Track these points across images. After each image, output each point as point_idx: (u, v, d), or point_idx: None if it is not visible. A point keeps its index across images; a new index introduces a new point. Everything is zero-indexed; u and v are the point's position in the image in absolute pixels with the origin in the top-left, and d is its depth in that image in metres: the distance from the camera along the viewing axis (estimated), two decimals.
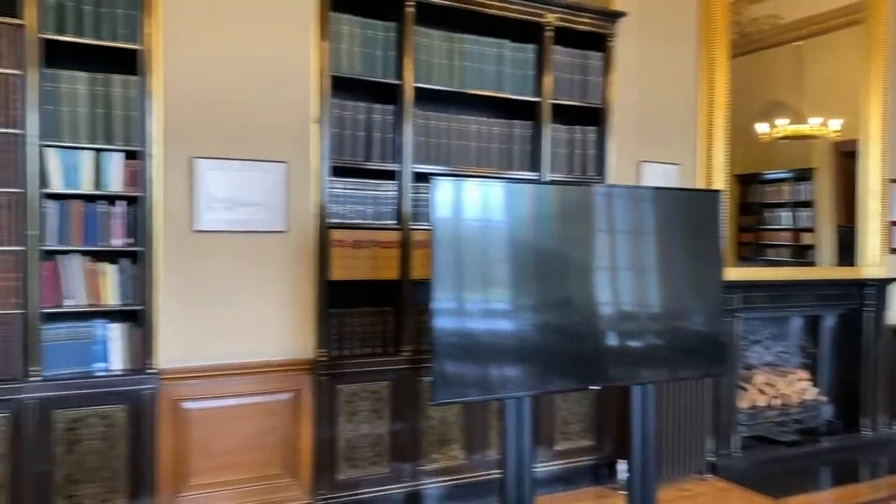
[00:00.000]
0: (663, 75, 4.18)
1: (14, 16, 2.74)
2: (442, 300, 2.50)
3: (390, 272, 3.46)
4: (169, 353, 3.07)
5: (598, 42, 3.93)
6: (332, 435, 3.34)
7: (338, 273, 3.35)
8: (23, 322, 2.80)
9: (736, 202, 5.23)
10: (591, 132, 3.95)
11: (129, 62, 2.94)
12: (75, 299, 2.93)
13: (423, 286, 3.41)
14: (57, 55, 2.83)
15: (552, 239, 2.79)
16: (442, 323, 2.51)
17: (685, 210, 3.11)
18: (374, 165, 3.45)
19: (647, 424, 2.94)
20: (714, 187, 4.17)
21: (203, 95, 3.11)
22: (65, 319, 2.92)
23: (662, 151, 4.19)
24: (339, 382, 3.35)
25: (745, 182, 5.88)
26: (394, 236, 3.46)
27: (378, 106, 3.45)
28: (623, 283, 2.95)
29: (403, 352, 3.48)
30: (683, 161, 4.27)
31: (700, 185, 4.27)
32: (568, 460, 3.89)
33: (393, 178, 3.48)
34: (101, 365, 2.98)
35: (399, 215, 3.48)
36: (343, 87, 3.36)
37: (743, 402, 4.52)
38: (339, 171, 3.38)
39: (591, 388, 2.84)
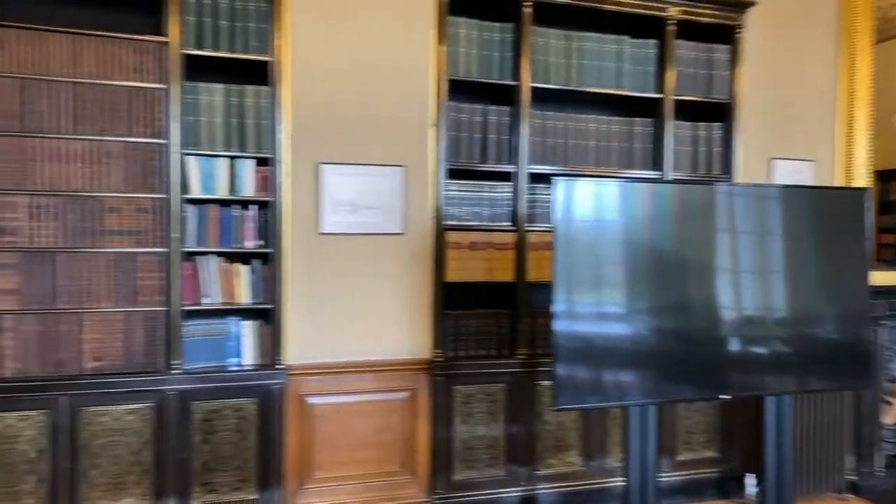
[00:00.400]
0: (797, 66, 3.92)
1: (159, 34, 2.96)
2: (563, 302, 2.46)
3: (506, 274, 3.44)
4: (296, 349, 3.21)
5: (724, 34, 3.74)
6: (449, 435, 3.36)
7: (453, 275, 3.38)
8: (166, 318, 3.01)
9: (875, 200, 4.82)
10: (716, 129, 3.76)
11: (260, 73, 3.10)
12: (212, 298, 3.12)
13: (539, 289, 3.39)
14: (196, 69, 3.02)
15: (681, 240, 2.67)
16: (563, 326, 2.47)
17: (824, 209, 2.90)
18: (490, 167, 3.45)
19: (783, 439, 2.76)
20: (855, 184, 3.86)
21: (327, 103, 3.22)
22: (202, 316, 3.12)
23: (795, 147, 3.93)
24: (454, 383, 3.37)
25: (886, 178, 5.40)
26: (509, 238, 3.44)
27: (494, 107, 3.45)
28: (748, 286, 2.79)
29: (519, 355, 3.45)
30: (819, 157, 3.98)
31: (838, 182, 3.98)
32: (691, 471, 3.72)
33: (508, 180, 3.46)
34: (234, 360, 3.16)
35: (514, 217, 3.45)
36: (459, 89, 3.39)
37: (887, 418, 4.15)
38: (454, 174, 3.40)
39: (720, 397, 2.69)
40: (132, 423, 2.94)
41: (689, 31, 3.65)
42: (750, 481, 3.51)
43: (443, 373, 3.35)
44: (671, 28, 3.60)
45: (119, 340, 2.97)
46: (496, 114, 3.45)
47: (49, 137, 2.85)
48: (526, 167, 3.44)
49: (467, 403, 3.39)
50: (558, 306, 2.46)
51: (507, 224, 3.46)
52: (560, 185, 2.47)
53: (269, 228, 3.14)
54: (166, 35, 2.94)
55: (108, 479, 2.91)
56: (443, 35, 3.32)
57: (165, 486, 2.98)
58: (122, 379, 2.94)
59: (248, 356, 3.18)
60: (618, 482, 3.56)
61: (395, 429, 3.35)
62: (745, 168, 3.79)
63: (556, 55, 3.50)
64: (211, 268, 3.12)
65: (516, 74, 3.42)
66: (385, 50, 3.29)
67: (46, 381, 2.85)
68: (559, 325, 2.46)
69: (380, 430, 3.33)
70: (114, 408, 2.92)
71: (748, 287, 2.80)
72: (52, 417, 2.85)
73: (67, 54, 2.85)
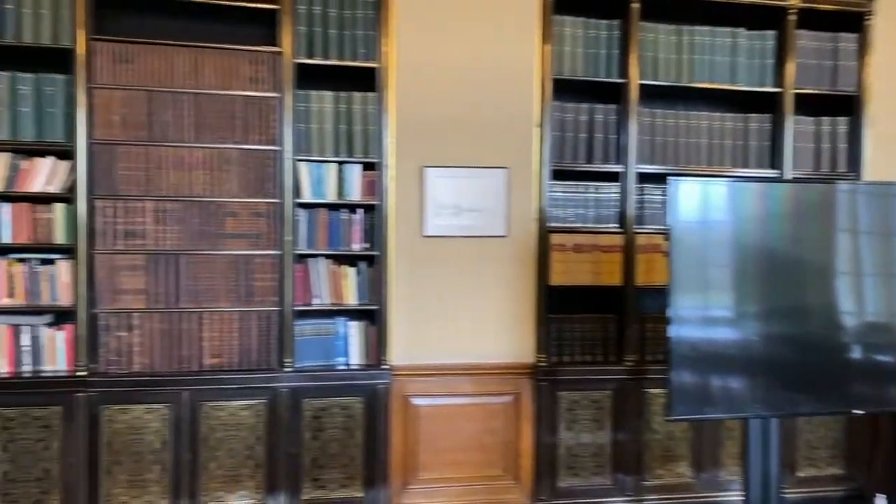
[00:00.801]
0: None
1: (273, 44, 3.07)
2: (681, 307, 2.36)
3: (612, 277, 3.35)
4: (400, 350, 3.25)
5: (850, 22, 3.49)
6: (553, 441, 3.30)
7: (557, 278, 3.32)
8: (279, 318, 3.12)
9: None
10: (841, 123, 3.52)
11: (367, 79, 3.16)
12: (321, 298, 3.20)
13: (649, 293, 3.28)
14: (306, 77, 3.11)
15: (806, 242, 2.51)
16: (679, 332, 2.37)
17: None
18: (596, 167, 3.37)
19: None
20: None
21: (431, 107, 3.24)
22: (312, 317, 3.21)
23: None
24: (559, 389, 3.31)
25: None
26: (616, 240, 3.35)
27: (600, 106, 3.36)
28: (872, 290, 2.58)
29: (626, 361, 3.35)
30: None
31: None
32: (813, 489, 3.49)
33: (615, 180, 3.37)
34: (341, 359, 3.23)
35: (622, 218, 3.36)
36: (564, 89, 3.33)
37: None
38: (559, 175, 3.34)
39: (854, 412, 2.50)
40: (247, 419, 3.06)
41: (812, 19, 3.43)
42: (881, 502, 3.25)
43: (547, 378, 3.30)
44: (791, 17, 3.39)
45: (235, 339, 3.10)
46: (602, 112, 3.36)
47: (173, 146, 3.01)
48: (634, 167, 3.34)
49: (572, 410, 3.32)
50: (674, 311, 2.36)
51: (613, 226, 3.37)
52: (676, 186, 2.37)
53: (374, 231, 3.20)
54: (280, 45, 3.05)
55: (224, 471, 3.05)
56: (547, 34, 3.27)
57: (277, 480, 3.08)
58: (238, 376, 3.06)
59: (355, 356, 3.24)
60: (732, 497, 3.39)
61: (498, 433, 3.33)
62: (874, 165, 3.51)
63: (665, 51, 3.37)
64: (320, 269, 3.21)
65: (623, 72, 3.32)
66: (488, 51, 3.28)
67: (170, 377, 3.01)
68: (675, 331, 2.36)
69: (482, 433, 3.32)
70: (230, 403, 3.05)
71: (872, 291, 2.59)
72: (175, 411, 3.00)
73: (190, 66, 3.01)
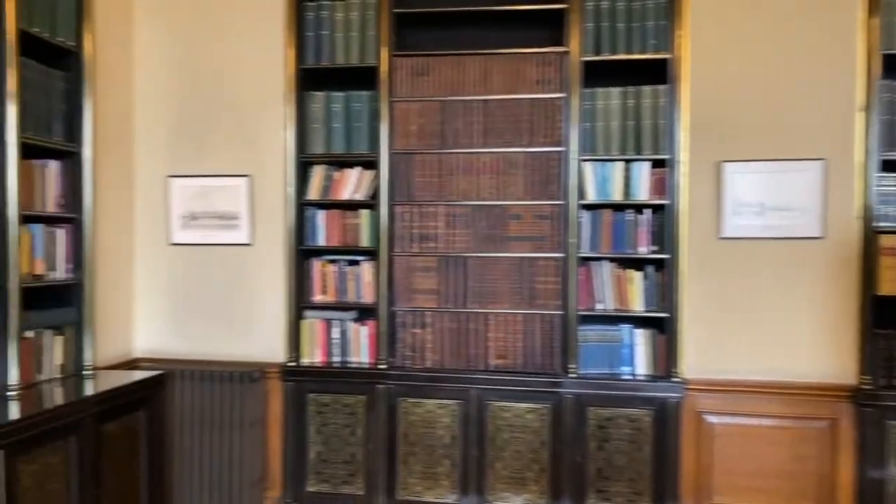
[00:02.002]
0: None
1: (559, 44, 3.03)
2: None
3: None
4: (692, 362, 3.01)
5: None
6: (880, 478, 2.81)
7: (887, 287, 2.82)
8: (562, 322, 3.06)
9: None
10: None
11: (657, 72, 2.98)
12: (605, 304, 3.09)
13: None
14: (592, 74, 3.02)
15: None
16: None
17: None
18: None
19: None
20: None
21: (730, 96, 2.97)
22: (595, 322, 3.11)
23: None
24: (888, 417, 2.81)
25: None
26: None
27: None
28: None
29: None
30: None
31: None
32: None
33: None
34: (626, 369, 3.08)
35: None
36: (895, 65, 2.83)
37: None
38: (889, 166, 2.84)
39: None
40: (531, 422, 3.05)
41: None
42: None
43: (872, 403, 2.82)
44: None
45: (519, 341, 3.11)
46: None
47: (463, 152, 3.12)
48: None
49: None
50: None
51: None
52: None
53: (664, 233, 3.00)
54: (566, 45, 3.00)
55: (510, 472, 3.07)
56: (874, 6, 2.80)
57: (561, 486, 3.03)
58: (523, 378, 3.06)
59: (641, 366, 3.07)
60: None
61: (809, 462, 2.92)
62: None
63: None
64: (604, 273, 3.09)
65: None
66: (797, 28, 2.90)
67: (459, 374, 3.11)
68: None
69: (789, 460, 2.94)
70: (515, 405, 3.07)
71: None
72: (464, 408, 3.10)
73: (479, 74, 3.09)
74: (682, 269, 2.96)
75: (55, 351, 2.90)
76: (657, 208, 3.03)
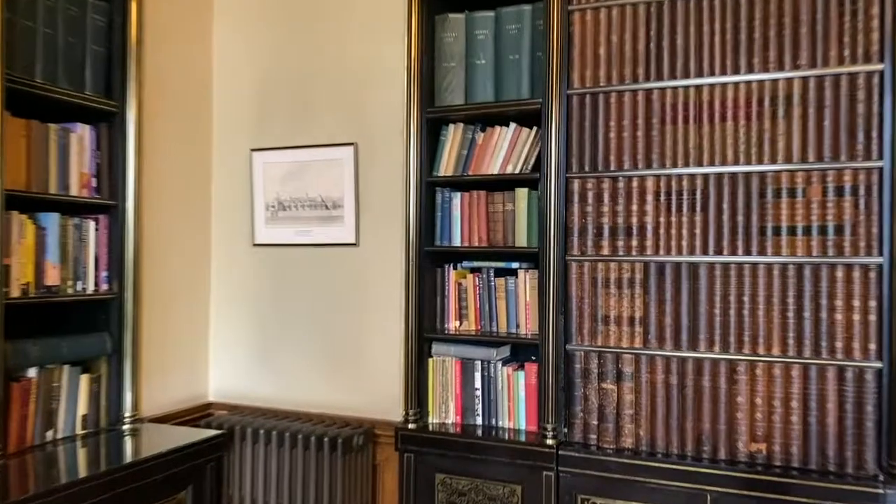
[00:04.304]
0: None
1: None
2: None
3: None
4: None
5: None
6: None
7: None
8: (885, 383, 1.70)
9: None
10: None
11: None
12: None
13: None
14: None
15: None
16: None
17: None
18: None
19: None
20: None
21: None
22: None
23: None
24: None
25: None
26: None
27: None
28: None
29: None
30: None
31: None
32: None
33: None
34: None
35: None
36: None
37: None
38: None
39: None
40: None
41: None
42: None
43: None
44: None
45: (795, 413, 1.82)
46: None
47: (691, 84, 1.88)
48: None
49: None
50: None
51: None
52: None
53: None
54: None
55: None
56: None
57: None
58: (801, 481, 1.74)
59: None
60: None
61: None
62: None
63: None
64: None
65: None
66: None
67: (681, 465, 1.85)
68: None
69: None
70: None
71: None
72: None
73: None
74: None
75: (79, 396, 2.02)
76: None
